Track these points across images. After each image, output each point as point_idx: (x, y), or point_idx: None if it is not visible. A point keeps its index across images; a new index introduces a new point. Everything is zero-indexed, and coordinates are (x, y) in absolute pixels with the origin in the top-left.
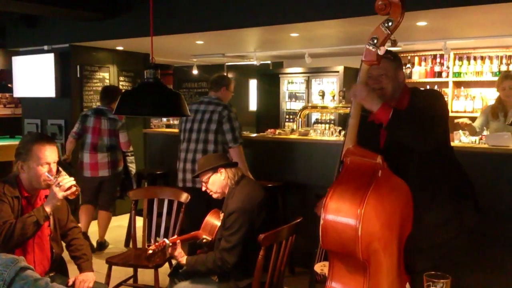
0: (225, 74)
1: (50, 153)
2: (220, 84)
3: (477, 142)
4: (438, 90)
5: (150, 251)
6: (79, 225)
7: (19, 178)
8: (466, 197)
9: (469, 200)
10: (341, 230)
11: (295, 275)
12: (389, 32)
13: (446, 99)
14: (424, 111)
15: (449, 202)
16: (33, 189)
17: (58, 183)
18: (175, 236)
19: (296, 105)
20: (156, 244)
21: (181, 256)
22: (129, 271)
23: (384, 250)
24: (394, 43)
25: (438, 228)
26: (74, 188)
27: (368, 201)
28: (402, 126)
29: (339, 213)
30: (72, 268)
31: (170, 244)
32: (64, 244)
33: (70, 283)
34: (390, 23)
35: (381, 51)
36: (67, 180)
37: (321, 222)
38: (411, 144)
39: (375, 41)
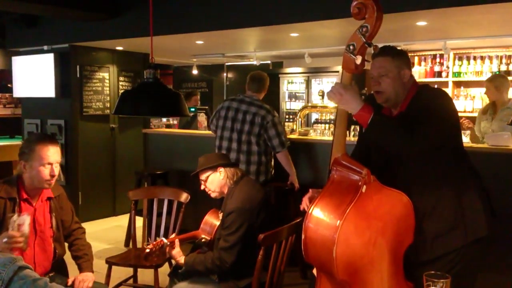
0: (264, 73)
1: (52, 154)
2: (264, 86)
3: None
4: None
5: (148, 250)
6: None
7: (22, 179)
8: (473, 203)
9: (478, 205)
10: (319, 248)
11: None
12: (364, 40)
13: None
14: (419, 111)
15: (452, 210)
16: (34, 189)
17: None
18: (174, 235)
19: (296, 105)
20: (154, 243)
21: (179, 256)
22: (129, 271)
23: (369, 266)
24: (375, 49)
25: (439, 238)
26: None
27: (347, 220)
28: (381, 130)
29: (317, 230)
30: (72, 269)
31: (168, 243)
32: (66, 244)
33: (70, 283)
34: (365, 29)
35: (358, 60)
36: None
37: (303, 236)
38: (393, 149)
39: (352, 48)
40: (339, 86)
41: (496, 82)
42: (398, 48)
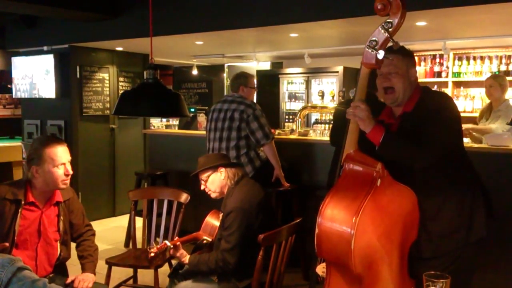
0: (244, 71)
1: (62, 153)
2: (236, 83)
3: None
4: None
5: (152, 254)
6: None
7: (31, 183)
8: (476, 205)
9: (481, 208)
10: (335, 241)
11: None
12: (389, 35)
13: None
14: (429, 119)
15: (457, 212)
16: (45, 192)
17: None
18: (176, 238)
19: (296, 105)
20: (158, 247)
21: (184, 256)
22: (129, 271)
23: (382, 260)
24: (395, 45)
25: (443, 238)
26: None
27: (364, 212)
28: (394, 149)
29: (333, 224)
30: (72, 270)
31: (171, 246)
32: (73, 245)
33: (69, 281)
34: (390, 25)
35: (380, 55)
36: None
37: (316, 230)
38: (404, 163)
39: (374, 43)
40: (361, 104)
41: (500, 80)
42: (406, 48)
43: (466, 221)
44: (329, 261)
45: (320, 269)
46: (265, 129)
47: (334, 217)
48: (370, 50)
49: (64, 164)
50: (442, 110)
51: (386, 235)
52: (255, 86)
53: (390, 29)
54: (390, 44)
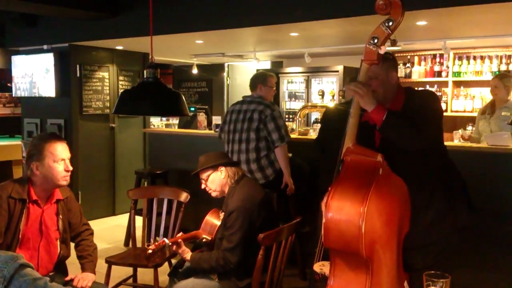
0: (263, 71)
1: (63, 150)
2: (255, 82)
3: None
4: (435, 90)
5: (150, 251)
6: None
7: (31, 181)
8: (459, 195)
9: (462, 198)
10: (344, 229)
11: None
12: (390, 32)
13: (445, 99)
14: (418, 112)
15: (444, 201)
16: (45, 191)
17: None
18: (177, 235)
19: (296, 105)
20: (156, 244)
21: (186, 253)
22: (129, 270)
23: (384, 247)
24: (394, 43)
25: (432, 226)
26: None
27: (371, 199)
28: (395, 128)
29: (341, 212)
30: (72, 269)
31: (170, 243)
32: (72, 245)
33: (68, 278)
34: (390, 23)
35: (381, 51)
36: None
37: (323, 221)
38: (403, 145)
39: (376, 40)
40: (361, 84)
41: (506, 81)
42: (387, 52)
43: (452, 209)
44: (336, 249)
45: (318, 266)
46: (282, 131)
47: (341, 207)
48: (371, 47)
49: (64, 159)
50: (429, 106)
51: (387, 223)
52: (274, 86)
53: (391, 27)
54: (388, 43)
